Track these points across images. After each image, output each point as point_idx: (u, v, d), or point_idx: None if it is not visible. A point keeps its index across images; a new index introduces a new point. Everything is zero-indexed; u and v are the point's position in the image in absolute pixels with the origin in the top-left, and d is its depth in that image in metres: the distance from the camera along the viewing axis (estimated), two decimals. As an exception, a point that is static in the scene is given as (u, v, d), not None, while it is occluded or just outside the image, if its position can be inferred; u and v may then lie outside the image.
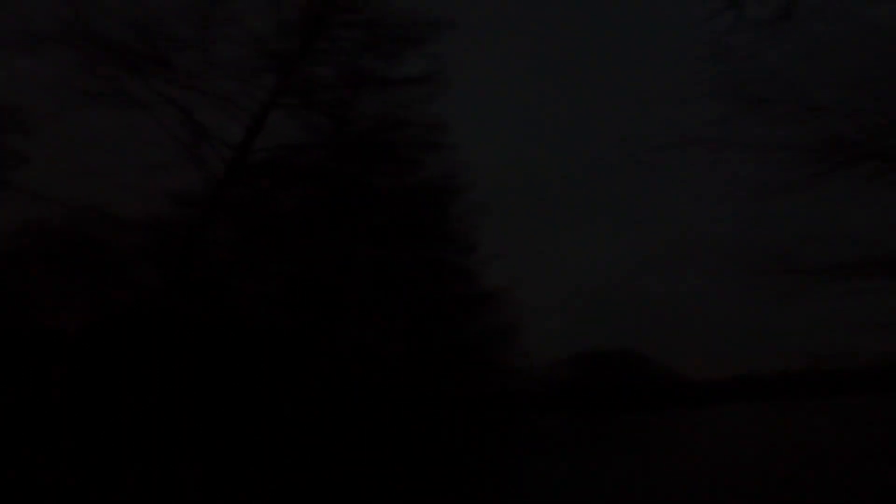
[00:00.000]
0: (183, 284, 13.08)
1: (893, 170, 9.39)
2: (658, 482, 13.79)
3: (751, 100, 10.22)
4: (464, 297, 23.05)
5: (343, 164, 16.27)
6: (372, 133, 16.83)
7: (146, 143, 13.42)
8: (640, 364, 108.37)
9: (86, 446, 11.36)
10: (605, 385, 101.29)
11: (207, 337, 13.73)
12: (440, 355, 25.30)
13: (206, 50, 14.05)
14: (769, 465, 15.78)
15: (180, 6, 13.88)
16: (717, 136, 10.55)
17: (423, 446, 24.68)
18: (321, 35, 16.18)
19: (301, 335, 16.46)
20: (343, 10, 16.35)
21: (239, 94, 14.05)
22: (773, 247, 10.33)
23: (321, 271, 16.92)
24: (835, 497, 10.40)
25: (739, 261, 10.84)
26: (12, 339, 13.36)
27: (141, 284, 14.71)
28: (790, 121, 10.02)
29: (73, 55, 13.11)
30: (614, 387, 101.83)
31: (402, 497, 13.53)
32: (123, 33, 13.45)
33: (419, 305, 21.06)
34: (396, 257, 18.88)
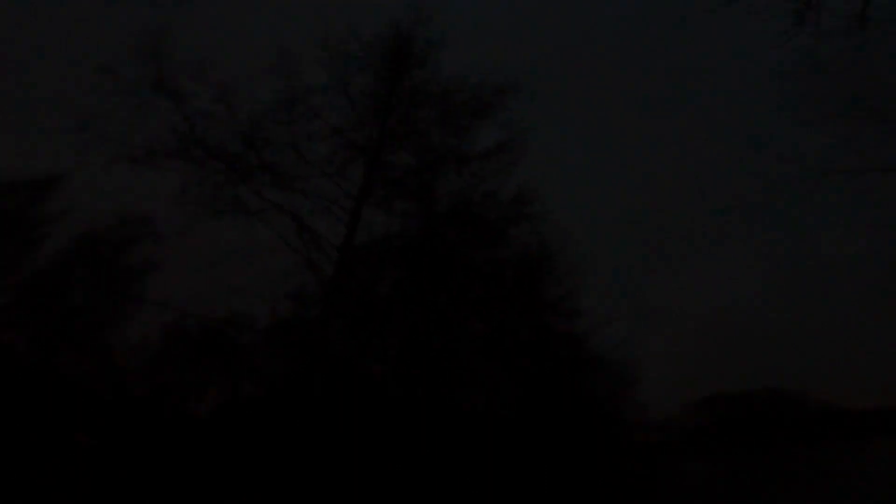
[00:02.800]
0: (305, 374, 13.70)
1: None
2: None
3: (871, 116, 9.32)
4: (571, 362, 22.23)
5: (434, 244, 16.57)
6: (457, 210, 17.01)
7: (266, 250, 14.48)
8: (786, 399, 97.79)
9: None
10: (740, 426, 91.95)
11: (334, 420, 14.21)
12: (554, 418, 24.42)
13: (297, 149, 14.98)
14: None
15: (268, 110, 14.86)
16: (846, 162, 9.65)
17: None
18: (396, 119, 16.72)
19: (420, 405, 16.59)
20: (412, 91, 16.93)
21: (333, 191, 14.88)
22: None
23: (430, 346, 17.08)
24: None
25: (877, 278, 9.60)
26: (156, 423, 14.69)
27: (267, 375, 15.74)
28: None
29: (189, 167, 14.24)
30: (750, 426, 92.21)
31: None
32: (230, 142, 14.50)
33: (527, 372, 20.56)
34: (499, 328, 18.68)
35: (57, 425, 14.20)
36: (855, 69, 8.79)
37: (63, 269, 18.18)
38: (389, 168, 16.49)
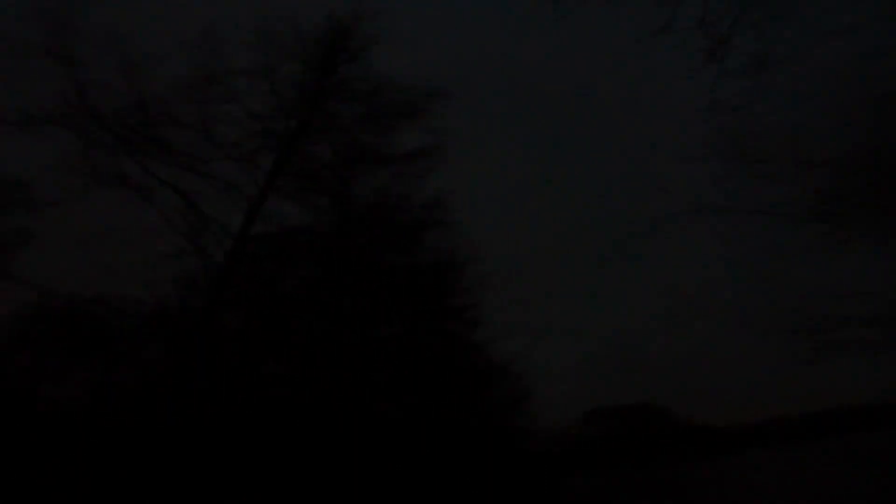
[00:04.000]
0: (188, 366, 12.75)
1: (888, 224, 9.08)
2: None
3: (746, 158, 10.02)
4: (472, 370, 22.44)
5: (344, 243, 16.08)
6: (372, 211, 16.70)
7: (151, 231, 13.36)
8: (657, 415, 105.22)
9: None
10: (623, 439, 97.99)
11: (215, 416, 13.31)
12: (452, 426, 24.56)
13: (205, 130, 14.09)
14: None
15: (179, 85, 14.02)
16: (718, 201, 10.27)
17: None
18: (319, 112, 16.19)
19: (313, 410, 15.95)
20: (340, 85, 16.47)
21: (238, 177, 14.05)
22: (779, 304, 9.93)
23: (330, 349, 16.50)
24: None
25: (749, 317, 10.39)
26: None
27: (143, 364, 14.40)
28: (785, 179, 9.81)
29: (74, 135, 13.19)
30: (632, 440, 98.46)
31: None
32: (124, 113, 13.52)
33: (428, 380, 20.47)
34: (403, 334, 18.43)
35: None
36: (746, 110, 9.34)
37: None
38: (305, 160, 15.92)
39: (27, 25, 12.77)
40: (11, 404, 12.72)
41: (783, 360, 9.73)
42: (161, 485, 10.92)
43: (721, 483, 32.24)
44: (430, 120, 16.57)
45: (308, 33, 15.45)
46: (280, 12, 15.30)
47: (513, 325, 21.63)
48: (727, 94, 9.41)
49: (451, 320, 19.87)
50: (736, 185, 10.26)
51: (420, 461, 21.19)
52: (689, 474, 51.14)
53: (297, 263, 15.57)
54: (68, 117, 13.07)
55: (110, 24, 13.37)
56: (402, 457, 19.36)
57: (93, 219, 13.61)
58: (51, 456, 12.17)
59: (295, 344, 14.76)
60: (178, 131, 13.98)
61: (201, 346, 12.24)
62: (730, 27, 8.72)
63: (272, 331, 14.33)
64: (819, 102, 9.53)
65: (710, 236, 10.73)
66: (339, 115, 16.45)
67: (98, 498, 11.19)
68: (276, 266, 15.00)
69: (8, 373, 13.41)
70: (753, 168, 9.61)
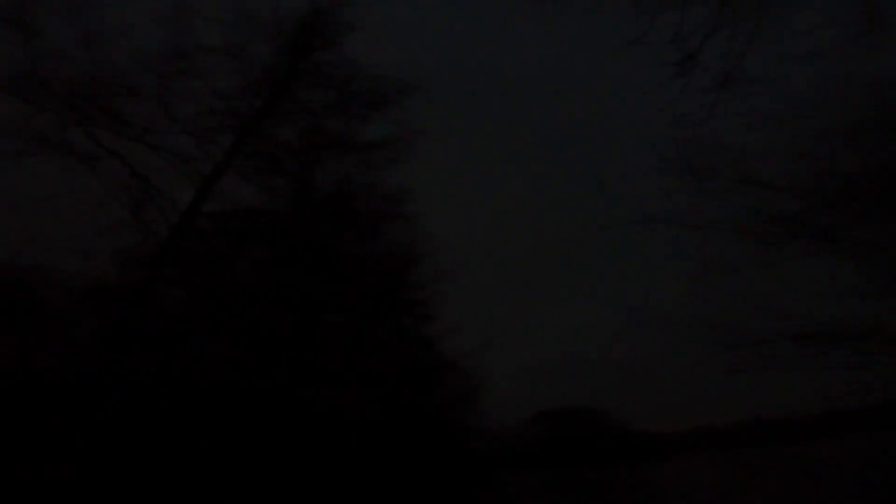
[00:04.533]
0: (122, 343, 12.21)
1: (826, 246, 9.51)
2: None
3: (696, 174, 10.31)
4: (425, 365, 22.42)
5: (301, 228, 15.74)
6: (333, 198, 16.42)
7: (93, 201, 12.76)
8: (602, 419, 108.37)
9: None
10: (569, 442, 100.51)
11: (153, 396, 12.79)
12: (403, 421, 24.48)
13: (165, 105, 13.59)
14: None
15: (143, 58, 13.51)
16: (666, 213, 10.55)
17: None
18: (287, 95, 15.89)
19: (256, 397, 15.53)
20: (312, 70, 16.18)
21: (195, 153, 13.56)
22: (720, 317, 10.27)
23: (283, 336, 16.12)
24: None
25: (692, 329, 10.73)
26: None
27: (79, 342, 13.73)
28: (733, 195, 10.14)
29: (20, 100, 12.48)
30: (579, 443, 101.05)
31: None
32: (77, 83, 12.89)
33: (380, 373, 20.31)
34: (358, 325, 18.22)
35: None
36: (704, 126, 9.57)
37: None
38: (267, 141, 15.54)
39: None
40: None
41: (715, 371, 10.06)
42: (81, 465, 10.44)
43: (649, 487, 33.45)
44: (399, 112, 16.32)
45: (285, 15, 15.05)
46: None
47: (466, 324, 21.73)
48: (690, 109, 9.66)
49: (404, 314, 19.78)
50: (686, 199, 10.53)
51: (365, 454, 21.04)
52: (622, 477, 52.85)
53: (250, 244, 15.15)
54: (17, 83, 12.41)
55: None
56: (346, 448, 19.16)
57: (31, 185, 12.94)
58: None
59: (241, 326, 14.34)
60: (136, 103, 13.45)
61: (138, 323, 11.72)
62: (700, 43, 8.95)
63: (218, 311, 13.88)
64: (775, 125, 9.88)
65: (658, 247, 10.99)
66: (308, 100, 16.17)
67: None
68: (226, 245, 14.53)
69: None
70: (702, 183, 9.90)
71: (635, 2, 8.69)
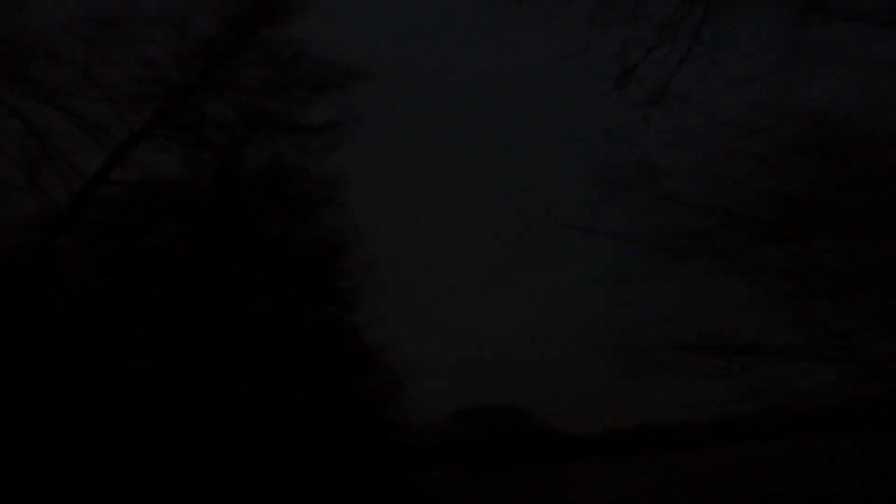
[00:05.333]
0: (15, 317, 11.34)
1: (724, 264, 10.18)
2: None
3: (616, 186, 10.79)
4: (350, 356, 22.23)
5: (227, 207, 15.22)
6: (264, 178, 15.99)
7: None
8: (521, 419, 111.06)
9: None
10: (487, 440, 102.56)
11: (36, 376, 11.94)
12: (325, 412, 24.11)
13: (85, 69, 12.79)
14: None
15: (70, 22, 12.67)
16: (583, 222, 10.99)
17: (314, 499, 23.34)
18: (223, 70, 15.34)
19: (173, 384, 14.81)
20: (256, 47, 15.69)
21: (111, 121, 12.82)
22: (623, 323, 10.79)
23: (199, 318, 15.47)
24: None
25: (599, 334, 11.21)
26: None
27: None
28: (648, 209, 10.68)
29: None
30: (497, 441, 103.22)
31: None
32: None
33: (304, 362, 19.93)
34: (282, 311, 17.81)
35: None
36: (632, 141, 10.00)
37: None
38: (196, 115, 14.93)
39: None
40: None
41: (617, 375, 10.56)
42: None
43: (559, 487, 34.64)
44: (343, 98, 16.13)
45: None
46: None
47: (391, 317, 21.73)
48: (622, 122, 10.08)
49: (330, 302, 19.54)
50: (605, 209, 11.00)
51: (283, 444, 20.56)
52: (535, 477, 54.42)
53: (166, 218, 14.48)
54: None
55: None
56: (262, 439, 18.67)
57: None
58: None
59: (151, 305, 13.69)
60: (54, 67, 12.59)
61: (29, 294, 10.95)
62: (639, 60, 9.35)
63: (125, 287, 13.17)
64: (696, 145, 10.46)
65: (577, 254, 11.42)
66: (247, 77, 15.68)
67: None
68: (139, 217, 13.82)
69: None
70: (621, 195, 10.39)
71: (589, 13, 9.02)
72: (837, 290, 8.87)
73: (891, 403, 9.64)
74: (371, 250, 19.54)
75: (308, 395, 21.79)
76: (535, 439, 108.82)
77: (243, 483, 15.85)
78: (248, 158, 16.15)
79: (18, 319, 11.01)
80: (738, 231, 10.30)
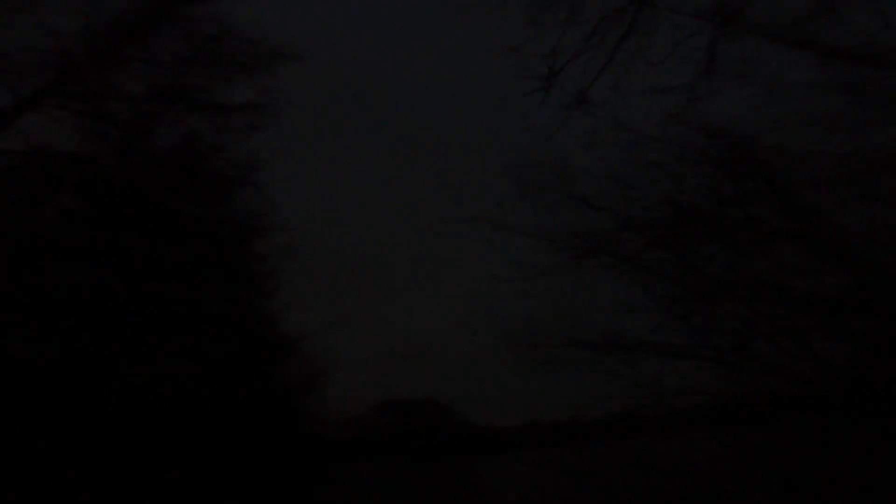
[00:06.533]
0: None
1: (621, 264, 10.74)
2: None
3: (530, 184, 11.15)
4: (262, 343, 21.55)
5: (129, 183, 14.41)
6: (174, 155, 15.27)
7: None
8: (442, 412, 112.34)
9: None
10: (409, 432, 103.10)
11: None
12: (238, 401, 23.26)
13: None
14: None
15: None
16: (494, 218, 11.27)
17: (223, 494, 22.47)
18: (134, 42, 14.46)
19: (60, 370, 13.80)
20: (175, 21, 14.93)
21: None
22: (534, 320, 11.11)
23: (91, 299, 14.52)
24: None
25: (513, 330, 11.53)
26: None
27: None
28: (556, 208, 11.10)
29: None
30: (418, 433, 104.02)
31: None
32: None
33: (211, 348, 19.12)
34: (187, 294, 17.03)
35: None
36: (550, 142, 10.32)
37: None
38: (99, 86, 14.01)
39: None
40: None
41: (526, 370, 10.92)
42: None
43: (481, 480, 35.26)
44: (267, 78, 15.62)
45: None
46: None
47: (311, 305, 21.25)
48: (544, 123, 10.35)
49: (243, 287, 18.91)
50: (520, 207, 11.34)
51: (186, 437, 19.70)
52: (455, 470, 55.30)
53: (58, 192, 13.53)
54: None
55: None
56: (167, 431, 17.82)
57: None
58: None
59: (37, 284, 12.76)
60: None
61: None
62: (565, 63, 9.61)
63: (9, 265, 12.20)
64: (608, 150, 10.91)
65: (491, 248, 11.74)
66: (162, 51, 14.84)
67: None
68: (25, 190, 12.83)
69: None
70: (533, 194, 10.76)
71: (525, 14, 9.17)
72: (716, 294, 9.57)
73: (763, 402, 10.48)
74: (291, 236, 19.03)
75: (211, 383, 20.93)
76: (456, 432, 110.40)
77: (130, 477, 15.07)
78: (160, 135, 15.37)
79: None
80: (635, 234, 10.87)
